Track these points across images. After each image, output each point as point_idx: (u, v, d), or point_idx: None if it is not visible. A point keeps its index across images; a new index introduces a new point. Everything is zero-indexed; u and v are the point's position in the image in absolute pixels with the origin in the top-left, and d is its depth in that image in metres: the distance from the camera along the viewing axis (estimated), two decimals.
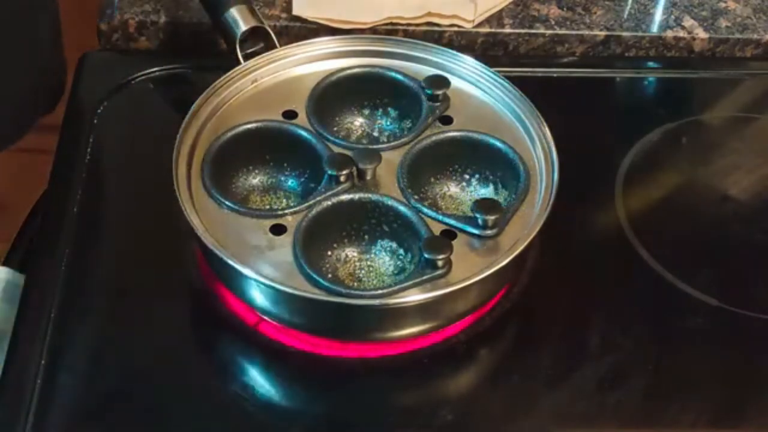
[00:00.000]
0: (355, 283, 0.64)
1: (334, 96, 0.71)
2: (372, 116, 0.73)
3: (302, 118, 0.69)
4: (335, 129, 0.71)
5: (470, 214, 0.65)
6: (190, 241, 0.68)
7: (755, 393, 0.66)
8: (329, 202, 0.64)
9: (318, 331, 0.65)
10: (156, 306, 0.68)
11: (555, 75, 0.84)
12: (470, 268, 0.62)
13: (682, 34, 0.85)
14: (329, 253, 0.65)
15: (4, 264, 0.75)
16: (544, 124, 0.68)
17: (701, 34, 0.85)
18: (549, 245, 0.68)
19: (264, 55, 0.73)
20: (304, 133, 0.68)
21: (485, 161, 0.68)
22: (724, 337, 0.68)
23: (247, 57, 0.73)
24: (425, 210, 0.65)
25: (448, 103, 0.70)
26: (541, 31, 0.84)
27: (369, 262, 0.64)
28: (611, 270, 0.71)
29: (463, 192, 0.69)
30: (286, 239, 0.63)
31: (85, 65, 0.81)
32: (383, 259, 0.64)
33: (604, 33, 0.85)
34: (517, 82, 0.71)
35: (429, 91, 0.70)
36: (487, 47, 0.84)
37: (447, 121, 0.70)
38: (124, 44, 0.83)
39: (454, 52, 0.73)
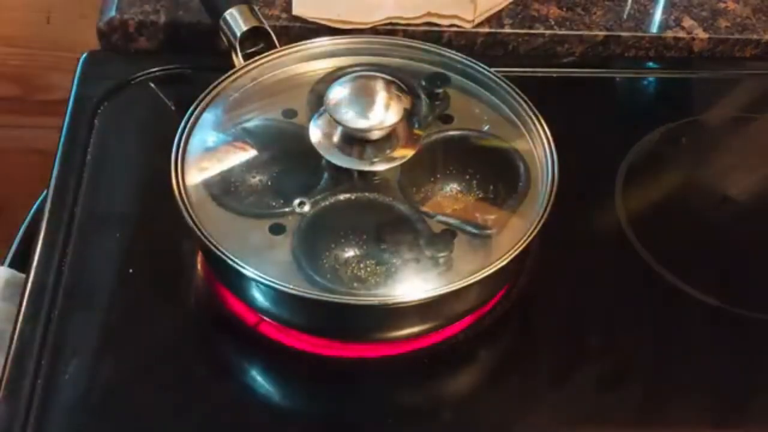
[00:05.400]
0: (355, 283, 0.64)
1: None
2: None
3: (302, 116, 0.69)
4: None
5: (470, 214, 0.65)
6: (189, 240, 0.69)
7: (755, 393, 0.66)
8: (329, 202, 0.65)
9: (318, 331, 0.65)
10: (156, 306, 0.68)
11: (555, 75, 0.84)
12: (470, 268, 0.62)
13: (681, 34, 0.85)
14: (329, 252, 0.65)
15: (4, 264, 0.75)
16: (544, 123, 0.68)
17: (701, 34, 0.85)
18: (549, 245, 0.68)
19: (264, 55, 0.73)
20: (303, 132, 0.68)
21: (485, 161, 0.68)
22: (724, 337, 0.68)
23: (247, 57, 0.73)
24: (425, 209, 0.65)
25: (449, 101, 0.70)
26: (541, 31, 0.84)
27: (369, 262, 0.64)
28: (611, 270, 0.71)
29: (463, 192, 0.69)
30: (286, 239, 0.63)
31: (85, 65, 0.81)
32: (383, 258, 0.64)
33: (603, 33, 0.85)
34: (517, 82, 0.71)
35: (429, 89, 0.70)
36: (486, 47, 0.84)
37: (447, 120, 0.70)
38: (124, 44, 0.83)
39: (454, 52, 0.73)
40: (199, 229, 0.62)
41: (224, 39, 0.74)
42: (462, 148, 0.69)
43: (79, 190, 0.72)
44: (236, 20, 0.73)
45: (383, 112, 0.64)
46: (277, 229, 0.63)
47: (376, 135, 0.64)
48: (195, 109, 0.69)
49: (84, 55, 0.82)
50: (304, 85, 0.71)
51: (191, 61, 0.81)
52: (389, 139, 0.65)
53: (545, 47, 0.85)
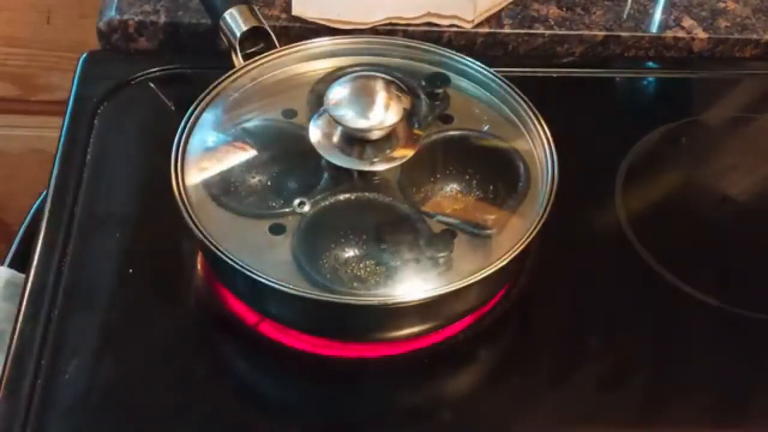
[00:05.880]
0: (355, 283, 0.64)
1: None
2: None
3: (302, 116, 0.69)
4: None
5: (470, 214, 0.65)
6: (189, 240, 0.69)
7: (755, 393, 0.66)
8: (329, 202, 0.65)
9: (318, 331, 0.65)
10: (156, 306, 0.68)
11: (555, 75, 0.84)
12: (470, 268, 0.62)
13: (681, 34, 0.85)
14: (329, 252, 0.65)
15: (4, 264, 0.75)
16: (544, 123, 0.68)
17: (701, 34, 0.85)
18: (549, 245, 0.68)
19: (264, 55, 0.73)
20: (303, 132, 0.68)
21: (485, 161, 0.68)
22: (724, 337, 0.68)
23: (247, 57, 0.73)
24: (425, 209, 0.65)
25: (449, 101, 0.70)
26: (541, 31, 0.84)
27: (369, 262, 0.64)
28: (611, 270, 0.71)
29: (463, 192, 0.68)
30: (286, 239, 0.63)
31: (85, 65, 0.81)
32: (383, 258, 0.64)
33: (603, 33, 0.85)
34: (516, 82, 0.71)
35: (429, 90, 0.70)
36: (486, 47, 0.84)
37: (447, 119, 0.70)
38: (124, 44, 0.83)
39: (454, 52, 0.73)
40: (199, 229, 0.62)
41: (224, 39, 0.74)
42: (462, 148, 0.69)
43: (79, 190, 0.72)
44: (236, 20, 0.73)
45: (383, 112, 0.64)
46: (277, 229, 0.63)
47: (376, 135, 0.64)
48: (195, 109, 0.69)
49: (84, 55, 0.82)
50: (304, 85, 0.71)
51: (191, 61, 0.81)
52: (389, 139, 0.65)
53: (545, 47, 0.85)
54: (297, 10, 0.82)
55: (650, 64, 0.86)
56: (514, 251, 0.62)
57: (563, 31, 0.84)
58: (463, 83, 0.72)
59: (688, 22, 0.86)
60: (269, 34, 0.74)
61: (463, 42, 0.84)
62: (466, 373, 0.67)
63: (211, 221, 0.64)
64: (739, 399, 0.65)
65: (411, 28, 0.83)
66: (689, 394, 0.65)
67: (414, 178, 0.66)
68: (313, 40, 0.74)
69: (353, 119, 0.64)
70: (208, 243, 0.62)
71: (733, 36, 0.86)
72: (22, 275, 0.70)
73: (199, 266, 0.69)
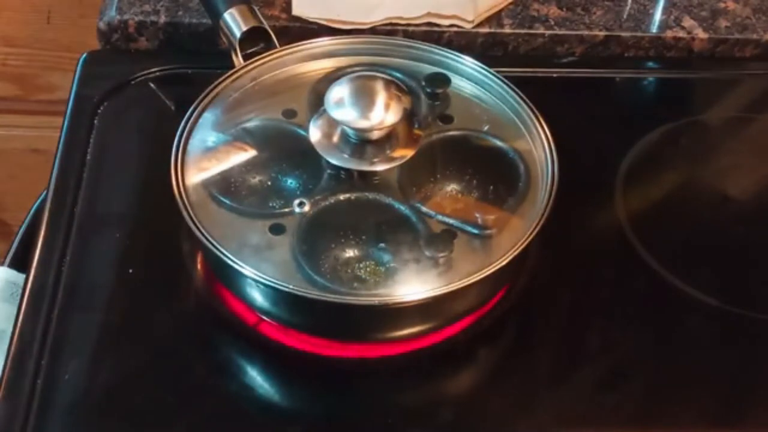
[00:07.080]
0: (355, 283, 0.64)
1: None
2: None
3: (302, 116, 0.69)
4: None
5: (470, 214, 0.65)
6: (189, 241, 0.69)
7: (755, 393, 0.66)
8: (329, 202, 0.65)
9: (318, 331, 0.65)
10: (156, 306, 0.68)
11: (555, 75, 0.84)
12: (470, 268, 0.62)
13: (681, 34, 0.85)
14: (329, 252, 0.65)
15: (4, 264, 0.75)
16: (544, 124, 0.68)
17: (701, 34, 0.85)
18: (549, 245, 0.68)
19: (264, 55, 0.73)
20: (303, 132, 0.68)
21: (485, 161, 0.68)
22: (724, 337, 0.68)
23: (247, 57, 0.73)
24: (425, 209, 0.65)
25: (449, 101, 0.70)
26: (541, 31, 0.84)
27: (369, 262, 0.64)
28: (611, 270, 0.71)
29: (463, 192, 0.69)
30: (286, 239, 0.63)
31: (85, 65, 0.81)
32: (383, 258, 0.64)
33: (603, 33, 0.85)
34: (517, 82, 0.71)
35: (429, 90, 0.70)
36: (486, 47, 0.84)
37: (447, 120, 0.70)
38: (124, 44, 0.83)
39: (454, 52, 0.73)
40: (199, 229, 0.62)
41: (224, 39, 0.74)
42: (462, 148, 0.69)
43: (79, 190, 0.72)
44: (236, 20, 0.73)
45: (383, 112, 0.64)
46: (277, 229, 0.63)
47: (376, 135, 0.64)
48: (195, 109, 0.69)
49: (84, 55, 0.82)
50: (304, 85, 0.71)
51: (191, 61, 0.81)
52: (389, 139, 0.65)
53: (545, 47, 0.85)
54: (297, 10, 0.82)
55: (650, 64, 0.86)
56: (514, 251, 0.62)
57: (563, 31, 0.84)
58: (463, 83, 0.72)
59: (688, 22, 0.86)
60: (269, 34, 0.74)
61: (463, 42, 0.84)
62: (466, 373, 0.67)
63: (211, 221, 0.64)
64: (739, 399, 0.65)
65: (411, 28, 0.83)
66: (689, 394, 0.65)
67: (414, 178, 0.66)
68: (313, 40, 0.74)
69: (353, 119, 0.64)
70: (208, 243, 0.62)
71: (733, 36, 0.86)
72: (22, 275, 0.70)
73: (199, 266, 0.69)
